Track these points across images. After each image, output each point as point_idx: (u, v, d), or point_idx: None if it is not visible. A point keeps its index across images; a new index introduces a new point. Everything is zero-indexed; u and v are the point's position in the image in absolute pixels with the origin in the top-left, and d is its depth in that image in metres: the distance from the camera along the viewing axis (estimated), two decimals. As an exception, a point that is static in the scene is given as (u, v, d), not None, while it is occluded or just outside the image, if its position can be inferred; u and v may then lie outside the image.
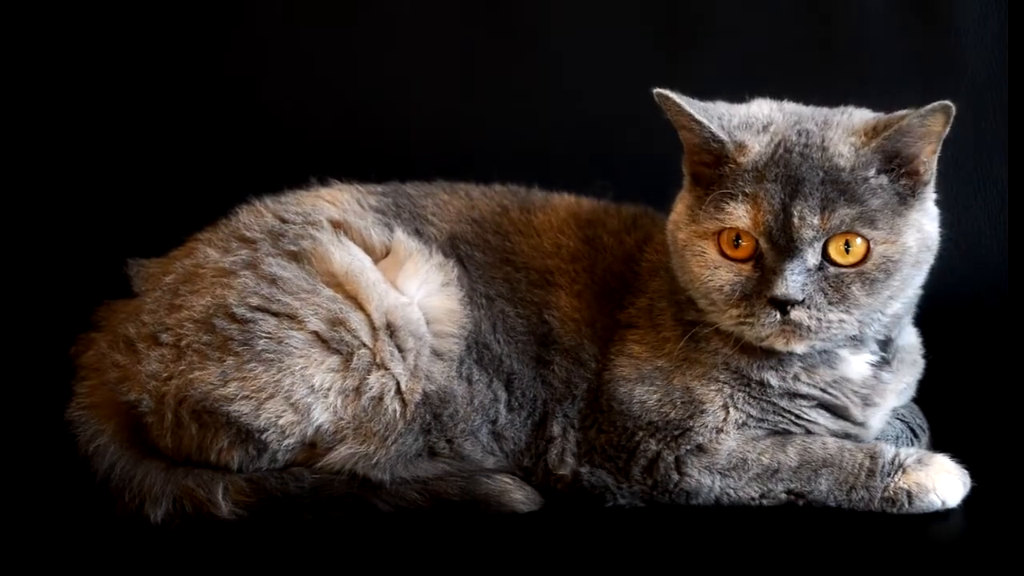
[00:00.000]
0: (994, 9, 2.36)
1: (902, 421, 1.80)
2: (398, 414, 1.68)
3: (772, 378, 1.67)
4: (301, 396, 1.65)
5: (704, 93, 1.71)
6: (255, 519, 1.67)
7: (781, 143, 1.61)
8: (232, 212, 1.85)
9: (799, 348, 1.63)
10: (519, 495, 1.71)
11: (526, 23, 2.52)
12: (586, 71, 2.49)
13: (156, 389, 1.68)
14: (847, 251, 1.57)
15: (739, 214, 1.59)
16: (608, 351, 1.74)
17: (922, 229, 1.62)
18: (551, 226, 1.84)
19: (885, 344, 1.71)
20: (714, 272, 1.62)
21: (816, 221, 1.56)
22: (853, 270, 1.58)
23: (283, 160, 2.39)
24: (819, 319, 1.58)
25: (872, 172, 1.59)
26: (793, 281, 1.56)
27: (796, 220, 1.56)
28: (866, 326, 1.64)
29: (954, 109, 1.56)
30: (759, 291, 1.59)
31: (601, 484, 1.71)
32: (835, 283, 1.58)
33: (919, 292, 1.72)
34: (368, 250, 1.76)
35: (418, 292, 1.74)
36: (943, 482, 1.64)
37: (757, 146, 1.62)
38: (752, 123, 1.65)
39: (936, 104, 1.56)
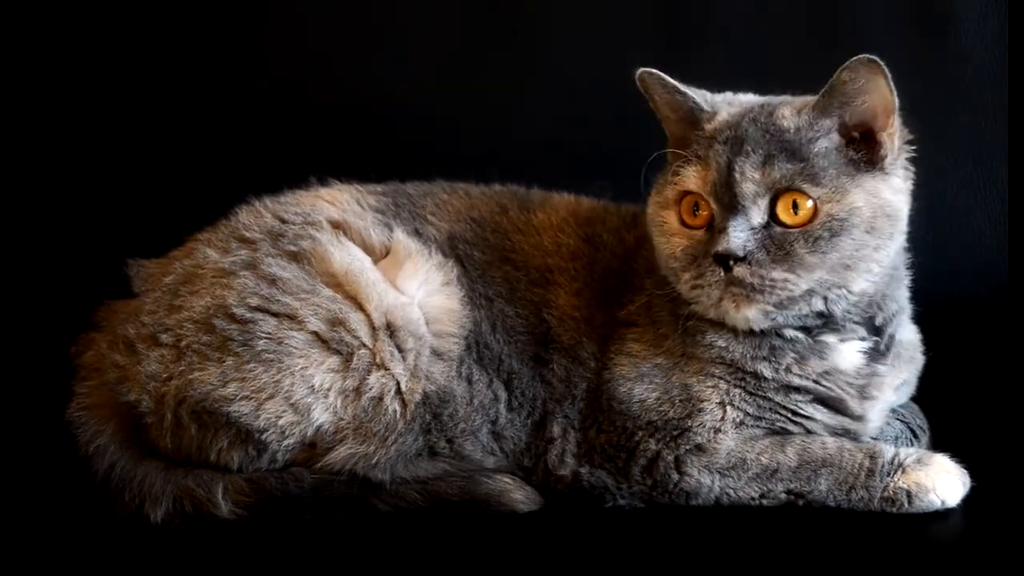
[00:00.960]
0: (994, 9, 2.36)
1: (902, 421, 1.80)
2: (398, 414, 1.68)
3: (766, 369, 1.67)
4: (301, 396, 1.65)
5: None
6: (255, 519, 1.67)
7: (743, 114, 1.65)
8: (232, 212, 1.85)
9: (750, 313, 1.63)
10: (519, 495, 1.71)
11: (526, 23, 2.52)
12: (586, 71, 2.48)
13: (156, 390, 1.68)
14: (795, 212, 1.59)
15: (690, 175, 1.64)
16: (607, 350, 1.74)
17: (878, 195, 1.62)
18: (550, 225, 1.84)
19: (877, 331, 1.70)
20: (671, 239, 1.66)
21: (756, 175, 1.59)
22: (798, 230, 1.59)
23: (283, 160, 2.39)
24: (761, 275, 1.59)
25: (818, 134, 1.61)
26: (735, 237, 1.58)
27: (737, 175, 1.59)
28: (831, 302, 1.64)
29: (876, 60, 1.58)
30: (705, 252, 1.61)
31: (601, 484, 1.71)
32: (779, 241, 1.59)
33: (901, 278, 1.73)
34: (368, 250, 1.76)
35: (418, 292, 1.74)
36: (943, 482, 1.64)
37: (724, 115, 1.67)
38: (732, 101, 1.71)
39: (858, 56, 1.58)
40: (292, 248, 1.73)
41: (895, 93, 1.61)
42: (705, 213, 1.63)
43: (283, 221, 1.78)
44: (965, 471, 1.66)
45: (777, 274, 1.59)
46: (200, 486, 1.67)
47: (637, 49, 2.46)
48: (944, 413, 1.87)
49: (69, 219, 2.49)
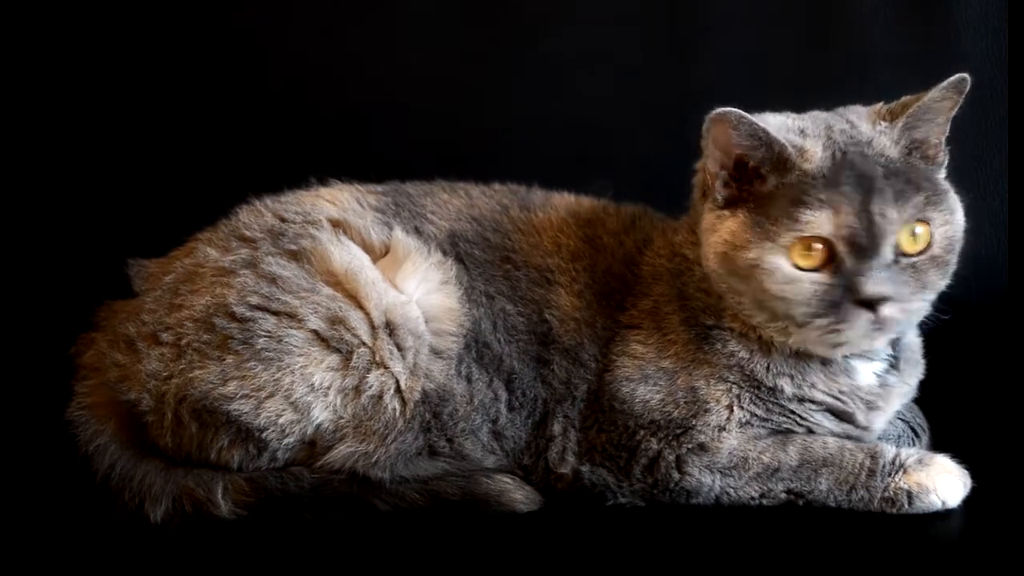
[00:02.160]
0: (994, 8, 2.36)
1: (903, 421, 1.80)
2: (398, 412, 1.68)
3: (787, 385, 1.67)
4: (301, 395, 1.65)
5: (704, 93, 1.70)
6: (255, 519, 1.66)
7: (833, 145, 1.60)
8: (232, 212, 1.85)
9: (882, 343, 1.66)
10: (519, 495, 1.71)
11: (526, 22, 2.52)
12: (586, 71, 2.49)
13: (156, 388, 1.68)
14: (915, 239, 1.57)
15: (820, 221, 1.56)
16: (609, 351, 1.74)
17: (957, 206, 1.63)
18: (551, 224, 1.84)
19: (896, 342, 1.71)
20: (794, 287, 1.59)
21: (895, 215, 1.55)
22: (924, 256, 1.58)
23: (283, 159, 2.39)
24: (907, 310, 1.58)
25: (912, 156, 1.61)
26: (881, 279, 1.55)
27: (878, 218, 1.55)
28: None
29: (969, 81, 1.59)
30: (847, 295, 1.57)
31: (602, 483, 1.71)
32: (913, 273, 1.58)
33: None
34: (367, 249, 1.76)
35: (417, 290, 1.74)
36: (943, 482, 1.64)
37: (818, 150, 1.60)
38: (791, 129, 1.64)
39: (954, 78, 1.58)
40: (292, 247, 1.73)
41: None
42: (819, 253, 1.57)
43: (283, 220, 1.78)
44: (966, 472, 1.66)
45: (916, 304, 1.59)
46: (200, 486, 1.67)
47: (638, 49, 2.47)
48: (944, 413, 1.87)
49: (69, 219, 2.48)
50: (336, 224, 1.77)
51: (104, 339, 1.77)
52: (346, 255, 1.72)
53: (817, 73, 2.37)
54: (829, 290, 1.57)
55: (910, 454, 1.67)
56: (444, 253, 1.79)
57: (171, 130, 2.52)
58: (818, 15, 2.43)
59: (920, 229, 1.57)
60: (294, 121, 2.53)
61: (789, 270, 1.58)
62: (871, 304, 1.56)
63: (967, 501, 1.65)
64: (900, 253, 1.57)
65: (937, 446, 1.78)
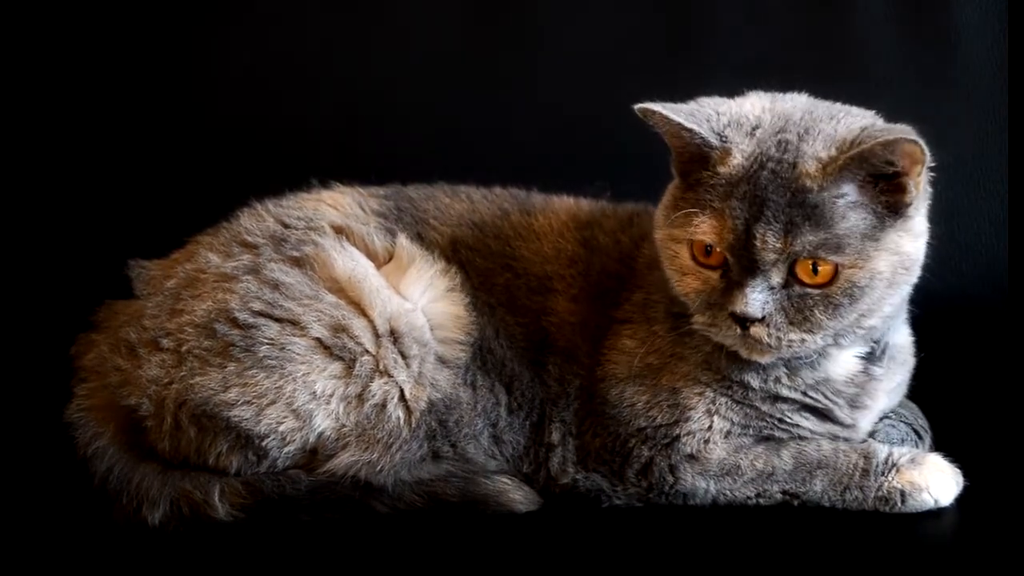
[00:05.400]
0: (994, 9, 2.35)
1: (906, 423, 1.79)
2: (402, 421, 1.68)
3: (753, 380, 1.66)
4: (303, 403, 1.65)
5: (704, 93, 1.70)
6: (252, 521, 1.66)
7: (758, 157, 1.56)
8: (233, 215, 1.84)
9: (763, 360, 1.62)
10: (518, 495, 1.71)
11: (527, 23, 2.52)
12: (587, 71, 2.48)
13: (156, 393, 1.67)
14: (815, 272, 1.53)
15: (704, 228, 1.56)
16: (602, 346, 1.74)
17: (900, 251, 1.56)
18: (551, 229, 1.83)
19: (874, 339, 1.69)
20: (684, 277, 1.62)
21: (778, 245, 1.52)
22: (819, 291, 1.54)
23: (283, 160, 2.40)
24: (779, 338, 1.56)
25: (843, 191, 1.53)
26: (753, 300, 1.54)
27: (758, 243, 1.53)
28: (841, 337, 1.62)
29: (918, 143, 1.49)
30: (721, 304, 1.58)
31: (596, 487, 1.71)
32: (798, 304, 1.55)
33: (904, 301, 1.69)
34: (371, 255, 1.76)
35: (421, 298, 1.74)
36: (936, 481, 1.65)
37: (739, 156, 1.57)
38: (742, 123, 1.61)
39: (896, 136, 1.50)
40: (295, 253, 1.72)
41: (927, 154, 1.52)
42: (719, 253, 1.57)
43: (285, 225, 1.78)
44: (958, 470, 1.67)
45: (795, 335, 1.56)
46: (197, 488, 1.67)
47: (638, 49, 2.47)
48: (943, 413, 1.87)
49: (69, 219, 2.49)
50: (339, 230, 1.77)
51: (105, 342, 1.76)
52: (349, 262, 1.71)
53: (817, 73, 2.36)
54: (711, 292, 1.59)
55: (903, 453, 1.67)
56: (447, 260, 1.79)
57: (172, 130, 2.52)
58: (818, 15, 2.43)
59: (829, 267, 1.53)
60: (294, 121, 2.53)
61: (686, 260, 1.61)
62: (741, 321, 1.56)
63: (960, 499, 1.66)
64: (797, 280, 1.54)
65: (936, 446, 1.78)
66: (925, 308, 1.81)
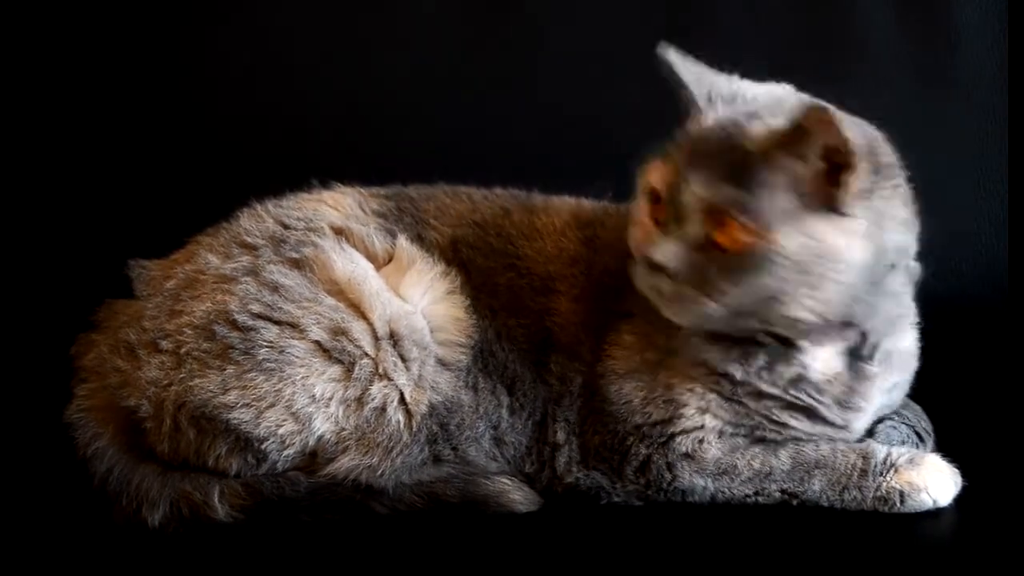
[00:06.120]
0: (994, 9, 2.36)
1: (907, 425, 1.79)
2: (402, 425, 1.68)
3: (737, 371, 1.65)
4: (302, 406, 1.65)
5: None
6: (252, 522, 1.66)
7: (724, 122, 1.58)
8: (233, 216, 1.84)
9: (678, 320, 1.61)
10: (518, 495, 1.71)
11: (527, 23, 2.52)
12: (586, 71, 2.49)
13: (156, 395, 1.67)
14: (725, 231, 1.52)
15: (655, 175, 1.59)
16: (603, 340, 1.74)
17: (820, 240, 1.52)
18: (554, 229, 1.83)
19: (862, 335, 1.66)
20: (633, 228, 1.63)
21: (700, 191, 1.53)
22: (727, 255, 1.53)
23: (283, 160, 2.39)
24: (676, 291, 1.56)
25: (781, 163, 1.51)
26: (667, 247, 1.55)
27: (683, 184, 1.54)
28: (772, 325, 1.59)
29: (825, 109, 1.48)
30: (642, 251, 1.59)
31: (596, 485, 1.71)
32: (705, 265, 1.54)
33: (897, 291, 1.66)
34: (371, 257, 1.75)
35: (422, 300, 1.73)
36: (935, 481, 1.65)
37: (710, 120, 1.59)
38: (736, 98, 1.62)
39: (806, 105, 1.51)
40: (294, 255, 1.72)
41: (852, 140, 1.48)
42: (662, 208, 1.58)
43: (285, 227, 1.77)
44: (957, 471, 1.67)
45: (690, 292, 1.55)
46: (197, 489, 1.66)
47: (638, 49, 2.46)
48: (943, 413, 1.87)
49: (69, 219, 2.49)
50: (338, 231, 1.77)
51: (105, 343, 1.76)
52: (349, 264, 1.71)
53: (817, 73, 2.36)
54: (640, 234, 1.60)
55: (901, 453, 1.67)
56: (447, 261, 1.78)
57: (172, 130, 2.52)
58: (818, 15, 2.43)
59: (738, 232, 1.51)
60: (295, 121, 2.53)
61: (643, 212, 1.61)
62: (653, 267, 1.56)
63: (958, 500, 1.66)
64: (713, 244, 1.53)
65: (937, 446, 1.78)
66: (925, 308, 1.81)
